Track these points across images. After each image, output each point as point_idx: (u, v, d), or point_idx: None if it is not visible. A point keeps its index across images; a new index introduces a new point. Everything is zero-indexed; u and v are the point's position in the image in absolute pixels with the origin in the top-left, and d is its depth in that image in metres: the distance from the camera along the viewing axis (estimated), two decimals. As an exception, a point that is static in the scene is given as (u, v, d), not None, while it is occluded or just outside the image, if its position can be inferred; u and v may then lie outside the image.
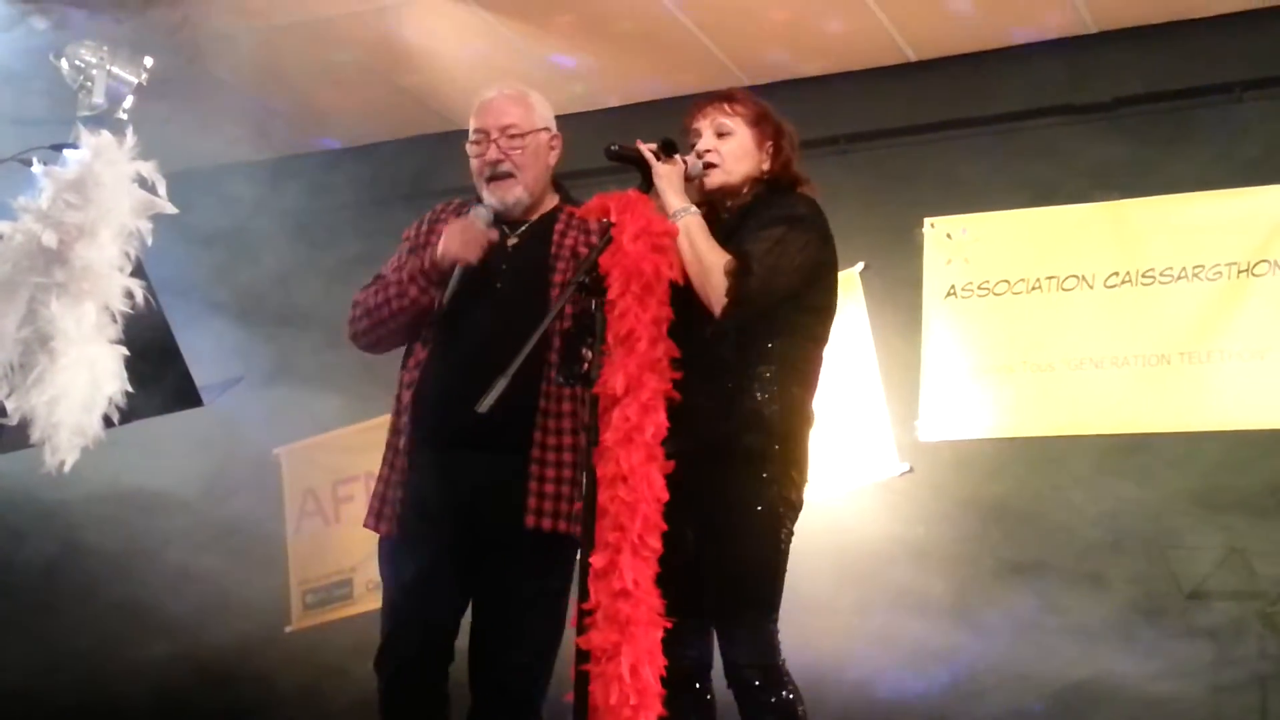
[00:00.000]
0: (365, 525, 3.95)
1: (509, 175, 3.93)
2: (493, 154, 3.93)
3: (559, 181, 4.12)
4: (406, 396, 3.91)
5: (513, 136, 3.94)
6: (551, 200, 4.05)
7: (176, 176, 3.60)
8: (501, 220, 3.94)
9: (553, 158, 4.05)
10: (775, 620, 3.55)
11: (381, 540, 3.91)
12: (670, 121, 3.93)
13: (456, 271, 3.83)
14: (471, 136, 4.00)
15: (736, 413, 3.54)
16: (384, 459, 3.96)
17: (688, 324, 3.52)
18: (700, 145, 3.74)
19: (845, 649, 5.75)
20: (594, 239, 3.86)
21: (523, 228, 3.98)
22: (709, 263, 3.52)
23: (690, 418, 3.49)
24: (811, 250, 3.63)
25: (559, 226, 3.97)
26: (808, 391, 3.66)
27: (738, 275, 3.49)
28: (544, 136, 4.01)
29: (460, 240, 3.83)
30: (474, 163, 3.99)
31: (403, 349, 4.05)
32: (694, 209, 3.62)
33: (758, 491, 3.53)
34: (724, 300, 3.49)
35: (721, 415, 3.53)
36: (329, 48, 6.55)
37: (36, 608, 7.26)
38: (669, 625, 3.36)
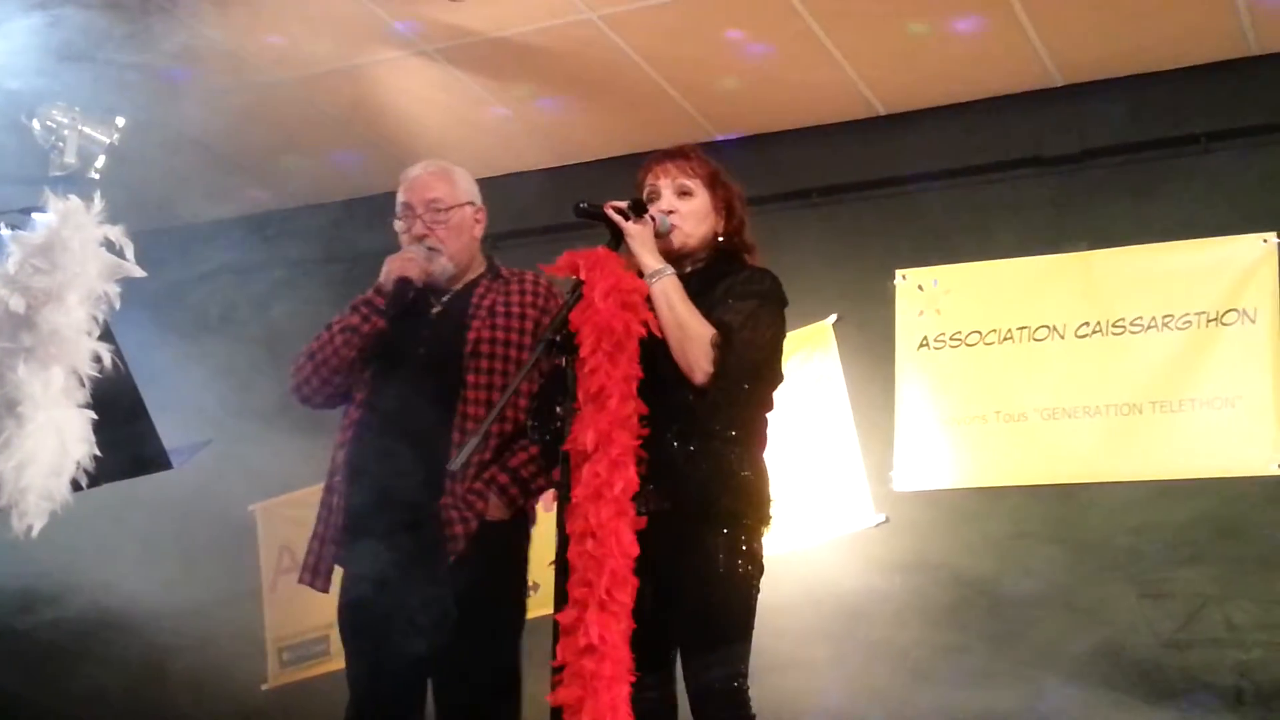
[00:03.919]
0: (300, 581, 4.06)
1: (435, 249, 4.06)
2: (418, 229, 4.08)
3: (487, 252, 4.26)
4: (340, 456, 4.02)
5: (438, 211, 4.09)
6: (478, 268, 4.19)
7: (149, 234, 3.61)
8: (428, 291, 4.06)
9: (478, 230, 4.20)
10: (747, 675, 3.55)
11: (340, 605, 4.00)
12: (641, 176, 3.97)
13: (396, 290, 3.93)
14: (398, 211, 4.14)
15: (717, 476, 3.56)
16: (319, 516, 4.05)
17: (659, 384, 3.54)
18: (662, 204, 3.77)
19: (820, 701, 5.74)
20: (514, 298, 4.07)
21: (447, 296, 4.11)
22: (692, 331, 3.55)
23: (667, 477, 3.52)
24: (777, 327, 3.72)
25: (479, 290, 4.11)
26: (763, 453, 3.72)
27: (721, 349, 3.53)
28: (468, 210, 4.16)
29: (401, 260, 4.00)
30: (401, 237, 4.13)
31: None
32: (670, 270, 3.64)
33: (734, 550, 3.55)
34: (707, 371, 3.52)
35: (701, 477, 3.55)
36: (304, 106, 6.58)
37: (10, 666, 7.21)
38: (634, 680, 3.37)
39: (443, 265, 4.06)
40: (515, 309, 4.06)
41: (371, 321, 3.95)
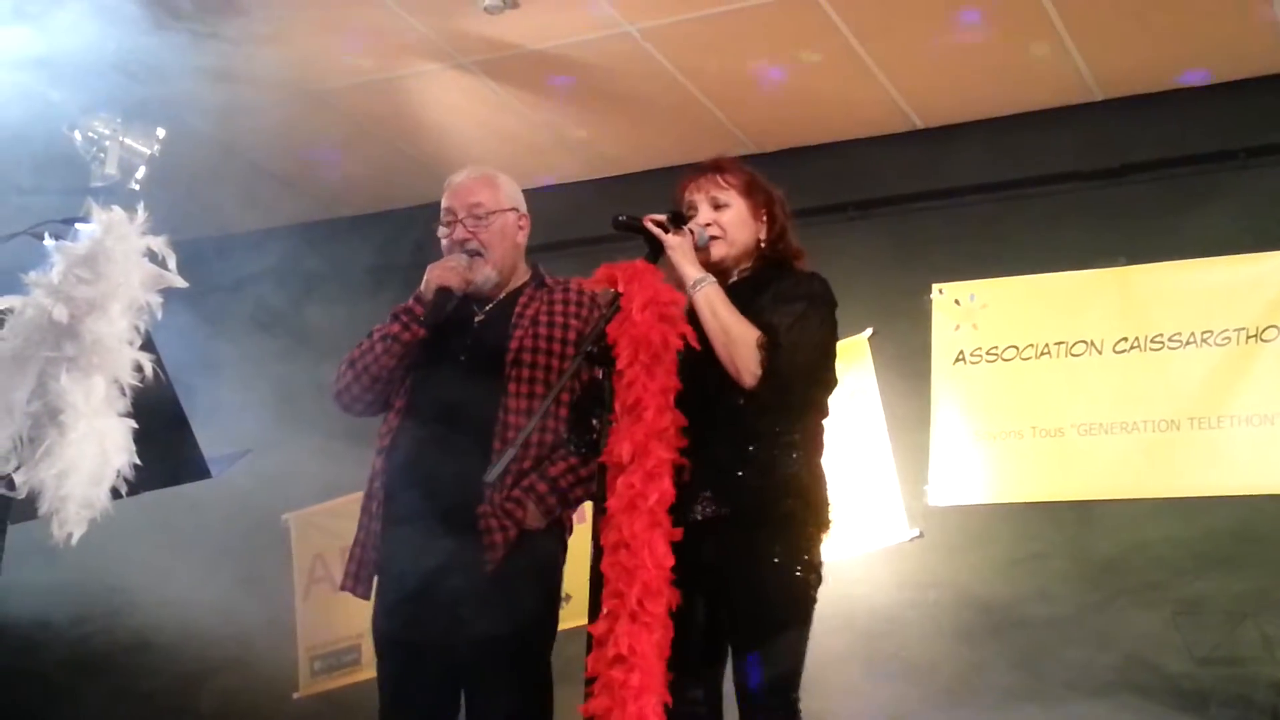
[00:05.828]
0: (342, 588, 4.04)
1: (477, 253, 4.04)
2: (460, 233, 4.06)
3: (532, 261, 4.22)
4: (378, 463, 4.02)
5: (479, 216, 4.06)
6: (522, 277, 4.16)
7: (187, 244, 3.62)
8: (471, 299, 4.04)
9: (521, 237, 4.17)
10: (799, 679, 3.55)
11: (375, 612, 3.98)
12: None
13: (436, 299, 3.92)
14: (441, 217, 4.13)
15: (775, 477, 3.57)
16: (359, 523, 4.06)
17: (712, 390, 3.56)
18: (699, 219, 3.79)
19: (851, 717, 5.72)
20: (558, 308, 4.04)
21: (490, 305, 4.08)
22: (737, 334, 3.56)
23: (722, 481, 3.54)
24: (827, 329, 3.72)
25: (523, 300, 4.07)
26: (820, 459, 3.71)
27: (768, 349, 3.54)
28: (511, 216, 4.13)
29: (441, 268, 3.98)
30: (444, 242, 4.12)
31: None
32: (713, 278, 3.66)
33: (792, 554, 3.55)
34: (756, 373, 3.53)
35: (759, 480, 3.56)
36: (339, 117, 6.61)
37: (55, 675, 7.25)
38: (667, 691, 3.36)
39: (486, 274, 4.04)
40: (559, 319, 4.03)
41: (412, 330, 3.94)
